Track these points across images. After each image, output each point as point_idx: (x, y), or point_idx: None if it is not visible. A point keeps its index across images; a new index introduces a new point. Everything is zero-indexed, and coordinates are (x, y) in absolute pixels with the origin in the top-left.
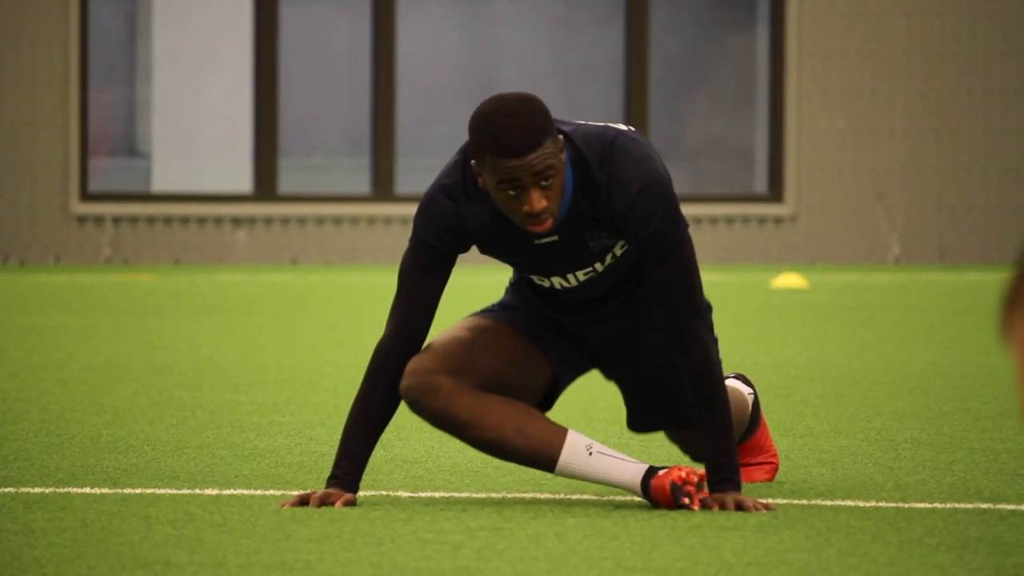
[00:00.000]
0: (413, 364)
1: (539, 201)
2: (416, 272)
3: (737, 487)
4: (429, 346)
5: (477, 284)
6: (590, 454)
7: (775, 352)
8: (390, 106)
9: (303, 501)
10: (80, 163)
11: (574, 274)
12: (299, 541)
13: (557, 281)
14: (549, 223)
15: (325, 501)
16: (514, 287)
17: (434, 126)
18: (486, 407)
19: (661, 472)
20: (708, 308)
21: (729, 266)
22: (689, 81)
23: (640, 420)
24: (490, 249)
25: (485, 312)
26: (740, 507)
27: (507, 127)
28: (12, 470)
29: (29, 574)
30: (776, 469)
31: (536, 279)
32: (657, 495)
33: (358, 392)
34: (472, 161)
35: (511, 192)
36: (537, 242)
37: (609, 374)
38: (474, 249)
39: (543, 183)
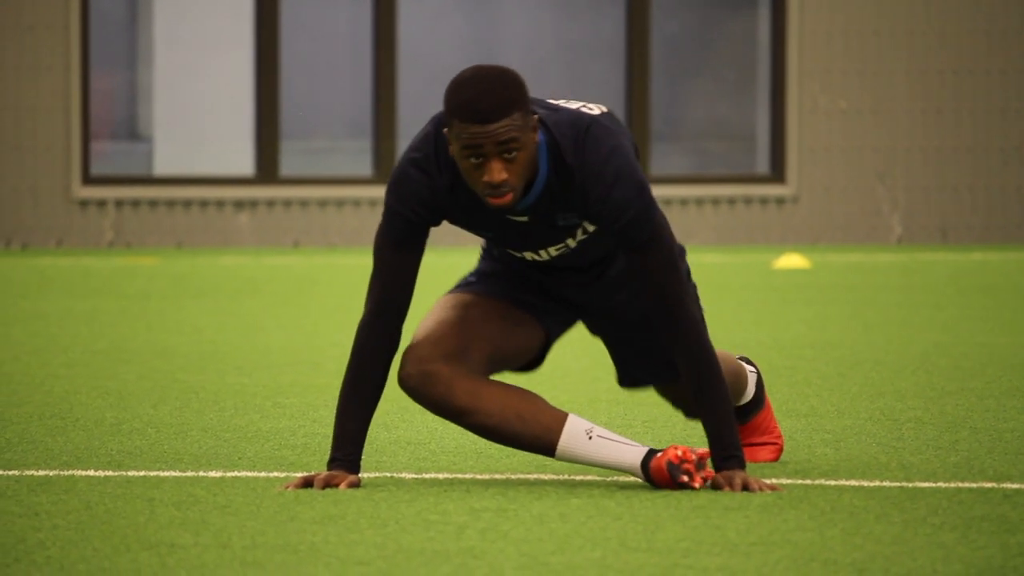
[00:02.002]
0: (409, 353)
1: (499, 173)
2: (391, 247)
3: (741, 464)
4: (422, 334)
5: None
6: (590, 438)
7: (778, 333)
8: (391, 88)
9: (307, 483)
10: (82, 147)
11: (546, 249)
12: (303, 523)
13: (529, 255)
14: (509, 197)
15: (329, 483)
16: (488, 252)
17: (435, 108)
18: (485, 393)
19: (659, 453)
20: (685, 259)
21: (731, 247)
22: (690, 62)
23: (628, 376)
24: (461, 221)
25: (464, 287)
26: (746, 488)
27: (477, 94)
28: (16, 453)
29: (34, 556)
30: (780, 449)
31: (510, 251)
32: (657, 476)
33: (346, 374)
34: (444, 129)
35: (473, 160)
36: (508, 218)
37: (594, 330)
38: (449, 226)
39: (506, 155)
